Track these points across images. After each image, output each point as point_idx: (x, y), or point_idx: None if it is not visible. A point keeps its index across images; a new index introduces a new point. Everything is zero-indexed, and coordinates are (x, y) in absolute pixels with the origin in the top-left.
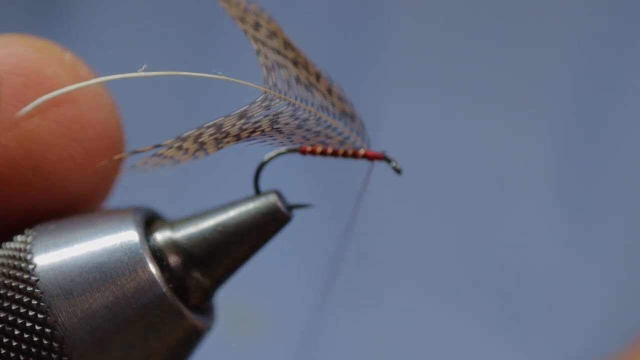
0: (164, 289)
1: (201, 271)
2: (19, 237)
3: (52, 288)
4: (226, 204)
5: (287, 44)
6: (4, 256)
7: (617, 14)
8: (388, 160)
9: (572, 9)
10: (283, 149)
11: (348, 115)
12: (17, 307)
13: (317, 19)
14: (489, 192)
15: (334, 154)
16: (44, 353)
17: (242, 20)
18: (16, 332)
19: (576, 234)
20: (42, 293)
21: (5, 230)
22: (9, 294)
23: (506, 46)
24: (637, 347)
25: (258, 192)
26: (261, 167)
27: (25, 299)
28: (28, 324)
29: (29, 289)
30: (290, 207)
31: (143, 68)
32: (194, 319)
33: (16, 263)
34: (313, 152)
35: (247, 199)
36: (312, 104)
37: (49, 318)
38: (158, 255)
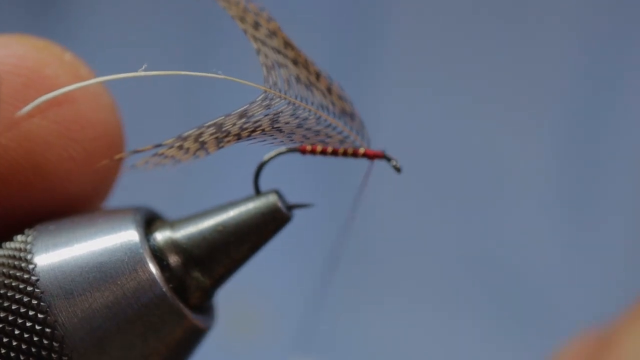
0: (164, 289)
1: (201, 271)
2: (19, 237)
3: (52, 288)
4: (226, 203)
5: (287, 43)
6: (4, 256)
7: (617, 14)
8: (388, 159)
9: (572, 9)
10: (283, 148)
11: (348, 114)
12: (17, 306)
13: (317, 19)
14: (489, 192)
15: (334, 153)
16: (44, 353)
17: (242, 19)
18: (16, 331)
19: (576, 234)
20: (42, 293)
21: (5, 230)
22: (9, 294)
23: (506, 46)
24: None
25: (258, 192)
26: (261, 166)
27: (26, 299)
28: (28, 324)
29: (29, 288)
30: (290, 207)
31: (143, 68)
32: (194, 318)
33: (16, 263)
34: (313, 151)
35: (247, 199)
36: (312, 103)
37: (49, 318)
38: (158, 255)
